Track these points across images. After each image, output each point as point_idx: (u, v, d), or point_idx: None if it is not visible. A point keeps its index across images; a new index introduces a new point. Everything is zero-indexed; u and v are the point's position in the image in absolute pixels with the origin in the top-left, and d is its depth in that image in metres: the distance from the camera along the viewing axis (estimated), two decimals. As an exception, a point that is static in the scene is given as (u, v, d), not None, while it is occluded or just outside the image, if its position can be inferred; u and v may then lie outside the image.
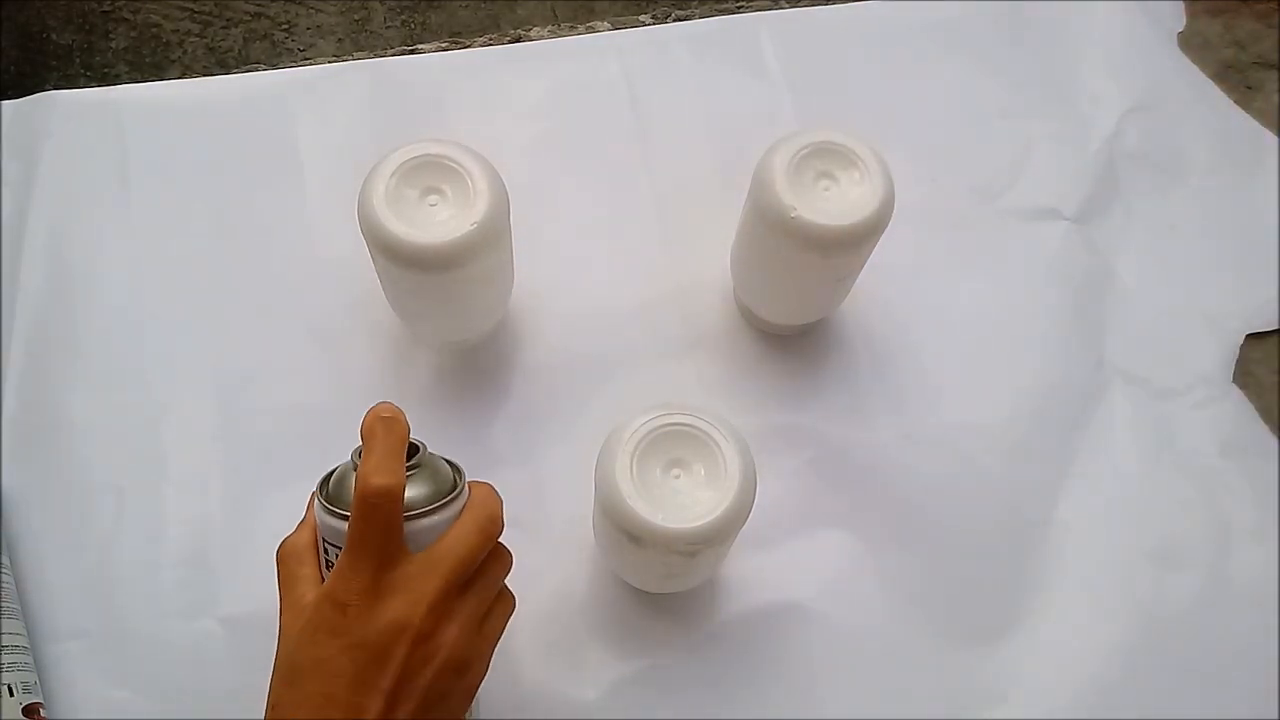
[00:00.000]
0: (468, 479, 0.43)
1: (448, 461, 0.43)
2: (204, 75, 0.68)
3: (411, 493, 0.39)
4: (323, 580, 0.40)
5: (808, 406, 0.60)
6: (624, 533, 0.45)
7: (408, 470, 0.39)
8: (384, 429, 0.39)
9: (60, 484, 0.56)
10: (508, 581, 0.44)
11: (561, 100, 0.68)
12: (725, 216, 0.59)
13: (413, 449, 0.40)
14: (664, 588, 0.54)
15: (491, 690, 0.53)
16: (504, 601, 0.43)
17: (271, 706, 0.38)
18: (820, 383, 0.61)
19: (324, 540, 0.41)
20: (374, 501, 0.37)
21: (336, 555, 0.39)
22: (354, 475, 0.38)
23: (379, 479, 0.37)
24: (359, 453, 0.40)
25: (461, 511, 0.40)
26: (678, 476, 0.46)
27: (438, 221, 0.49)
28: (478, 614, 0.40)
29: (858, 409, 0.60)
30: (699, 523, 0.44)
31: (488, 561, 0.41)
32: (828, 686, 0.55)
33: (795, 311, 0.60)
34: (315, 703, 0.37)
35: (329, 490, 0.41)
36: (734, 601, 0.56)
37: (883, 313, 0.63)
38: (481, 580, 0.41)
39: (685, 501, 0.45)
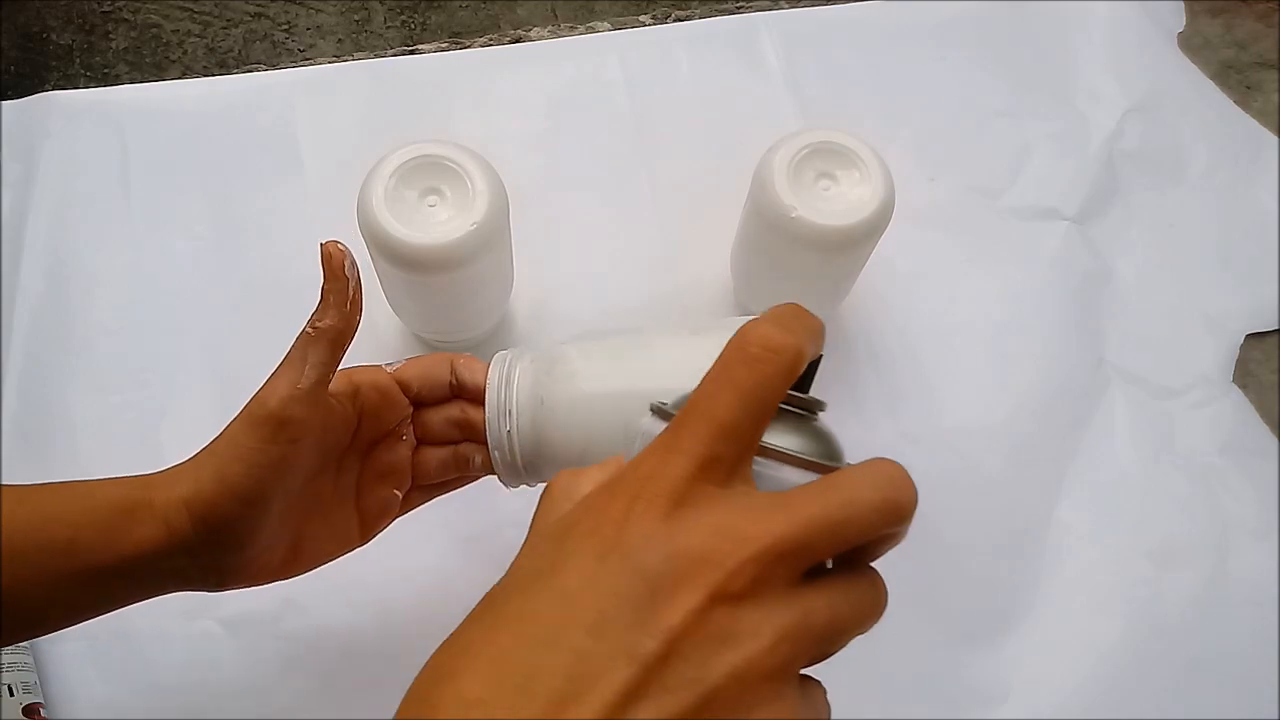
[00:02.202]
0: None
1: None
2: (204, 75, 0.68)
3: (788, 436, 0.27)
4: None
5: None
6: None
7: (797, 405, 0.28)
8: (801, 314, 0.27)
9: (60, 484, 0.56)
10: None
11: (561, 100, 0.68)
12: (725, 216, 0.59)
13: (814, 401, 0.29)
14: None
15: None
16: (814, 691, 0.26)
17: (476, 618, 0.25)
18: (820, 383, 0.61)
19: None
20: (754, 353, 0.25)
21: None
22: None
23: (773, 329, 0.25)
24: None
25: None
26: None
27: (437, 222, 0.49)
28: (819, 629, 0.24)
29: (858, 409, 0.60)
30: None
31: (849, 574, 0.25)
32: (826, 686, 0.54)
33: (795, 311, 0.60)
34: (534, 627, 0.23)
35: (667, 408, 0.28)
36: (734, 601, 0.56)
37: (883, 313, 0.63)
38: (842, 586, 0.25)
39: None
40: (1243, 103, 0.72)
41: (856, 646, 0.58)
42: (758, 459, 0.26)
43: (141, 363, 0.59)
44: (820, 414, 0.29)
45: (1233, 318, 0.65)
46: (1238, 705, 0.55)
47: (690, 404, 0.25)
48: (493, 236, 0.50)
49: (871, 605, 0.26)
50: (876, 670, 0.55)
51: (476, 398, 0.44)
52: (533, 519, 0.28)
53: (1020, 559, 0.58)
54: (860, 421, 0.60)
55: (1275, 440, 0.62)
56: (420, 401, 0.45)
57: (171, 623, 0.54)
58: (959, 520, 0.58)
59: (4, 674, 0.49)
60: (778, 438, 0.27)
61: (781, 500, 0.24)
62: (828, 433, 0.29)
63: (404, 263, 0.49)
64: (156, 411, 0.58)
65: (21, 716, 0.49)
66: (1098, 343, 0.64)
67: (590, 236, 0.64)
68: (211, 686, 0.53)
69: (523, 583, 0.25)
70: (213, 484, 0.37)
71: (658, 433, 0.26)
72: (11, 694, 0.49)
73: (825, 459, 0.27)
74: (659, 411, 0.28)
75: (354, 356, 0.60)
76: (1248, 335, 0.65)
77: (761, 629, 0.23)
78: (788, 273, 0.55)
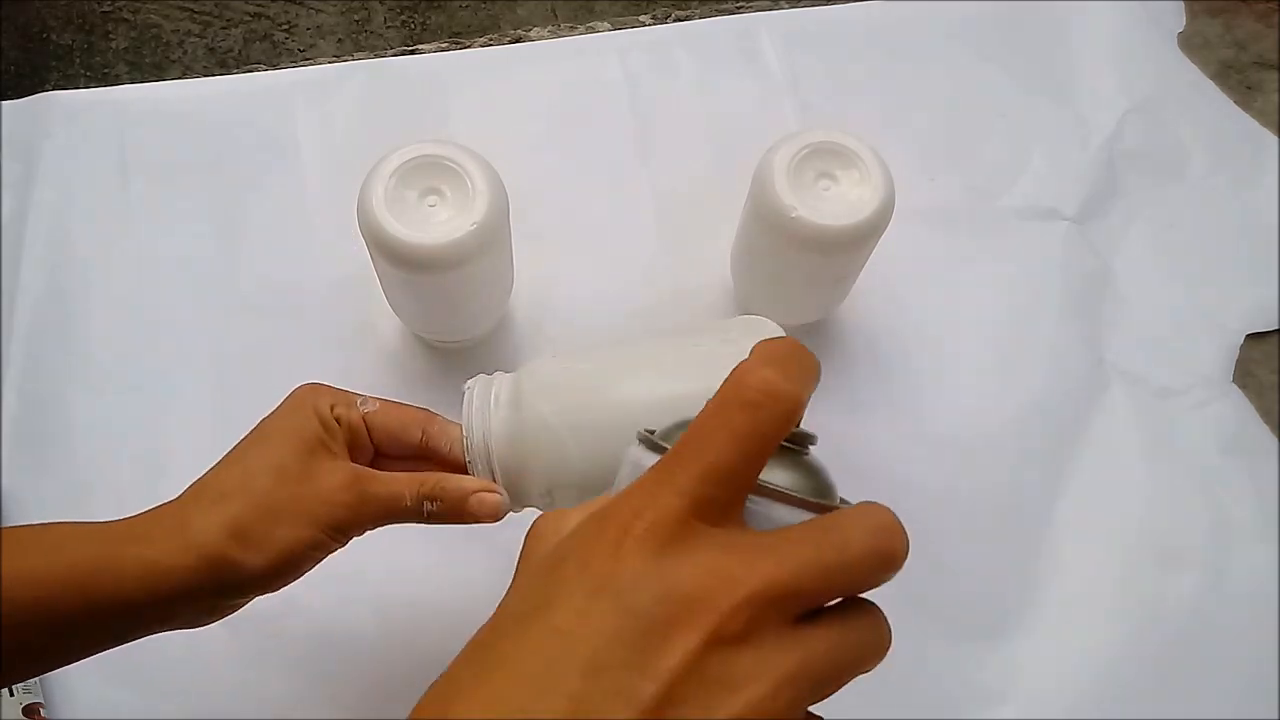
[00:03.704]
0: None
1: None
2: (204, 75, 0.68)
3: (781, 473, 0.27)
4: None
5: (808, 406, 0.60)
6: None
7: (794, 444, 0.28)
8: (800, 356, 0.26)
9: (60, 484, 0.56)
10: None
11: (561, 100, 0.68)
12: (725, 216, 0.59)
13: (805, 435, 0.28)
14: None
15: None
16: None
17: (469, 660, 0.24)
18: (820, 383, 0.61)
19: None
20: (753, 398, 0.24)
21: None
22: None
23: (774, 374, 0.25)
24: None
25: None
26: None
27: (437, 222, 0.49)
28: (819, 672, 0.24)
29: (858, 409, 0.60)
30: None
31: (851, 615, 0.25)
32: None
33: (795, 311, 0.60)
34: (527, 668, 0.23)
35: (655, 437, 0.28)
36: (734, 601, 0.56)
37: (883, 313, 0.63)
38: (840, 626, 0.24)
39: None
40: (1243, 103, 0.72)
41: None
42: (750, 495, 0.25)
43: (141, 363, 0.59)
44: (812, 448, 0.28)
45: (1233, 318, 0.65)
46: (1238, 705, 0.55)
47: (685, 442, 0.24)
48: (493, 236, 0.50)
49: (874, 646, 0.25)
50: (876, 670, 0.55)
51: (441, 463, 0.43)
52: (519, 559, 0.27)
53: (1020, 559, 0.58)
54: (860, 421, 0.60)
55: (1275, 440, 0.62)
56: (380, 452, 0.43)
57: (171, 623, 0.54)
58: (959, 520, 0.58)
59: (4, 674, 0.49)
60: (770, 474, 0.26)
61: (773, 541, 0.24)
62: (820, 468, 0.28)
63: (404, 263, 0.49)
64: (156, 411, 0.58)
65: (21, 716, 0.49)
66: (1098, 343, 0.64)
67: (590, 237, 0.64)
68: (211, 686, 0.53)
69: (512, 622, 0.24)
70: (271, 558, 0.38)
71: (646, 464, 0.25)
72: (11, 694, 0.49)
73: (817, 495, 0.27)
74: (647, 441, 0.27)
75: (354, 357, 0.60)
76: (1248, 335, 0.65)
77: (761, 674, 0.22)
78: (788, 273, 0.55)
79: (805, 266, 0.54)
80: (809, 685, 0.23)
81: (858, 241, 0.52)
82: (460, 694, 0.23)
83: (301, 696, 0.53)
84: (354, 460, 0.42)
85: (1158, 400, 0.62)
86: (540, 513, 0.30)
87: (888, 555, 0.24)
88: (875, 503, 0.25)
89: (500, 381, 0.44)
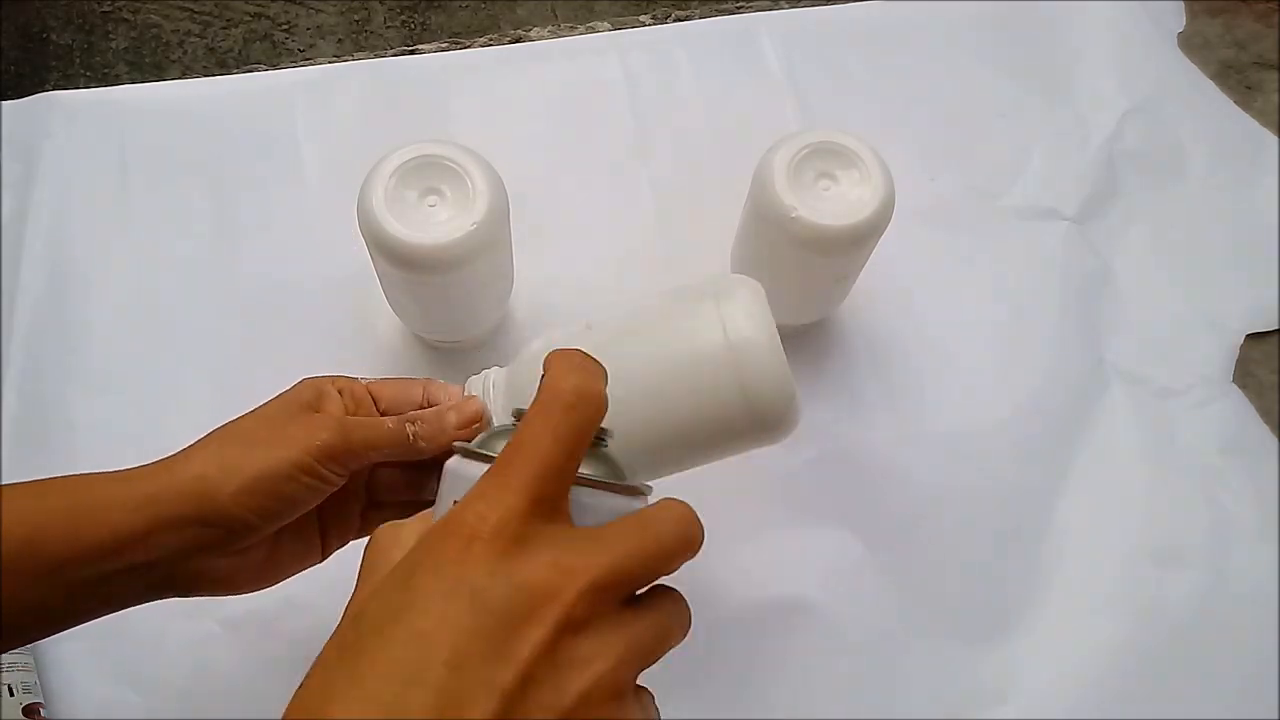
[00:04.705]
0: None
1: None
2: (204, 75, 0.68)
3: (592, 465, 0.30)
4: None
5: (808, 406, 0.60)
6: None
7: (597, 439, 0.31)
8: (593, 362, 0.29)
9: (60, 484, 0.56)
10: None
11: (561, 100, 0.68)
12: (725, 216, 0.59)
13: (604, 430, 0.31)
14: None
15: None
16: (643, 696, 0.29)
17: (328, 662, 0.27)
18: (820, 383, 0.61)
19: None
20: (570, 400, 0.27)
21: None
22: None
23: (582, 379, 0.28)
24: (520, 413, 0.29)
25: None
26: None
27: (437, 222, 0.49)
28: (645, 647, 0.27)
29: (858, 409, 0.60)
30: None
31: (661, 598, 0.29)
32: (826, 686, 0.55)
33: (795, 311, 0.60)
34: (396, 668, 0.25)
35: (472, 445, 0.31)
36: (732, 601, 0.56)
37: (883, 313, 0.63)
38: (657, 607, 0.28)
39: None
40: (1243, 103, 0.72)
41: (856, 645, 0.58)
42: (575, 491, 0.29)
43: (141, 363, 0.59)
44: (610, 441, 0.32)
45: (1233, 318, 0.65)
46: (1238, 705, 0.55)
47: (514, 447, 0.27)
48: (493, 236, 0.50)
49: (683, 620, 0.29)
50: (876, 669, 0.55)
51: None
52: (361, 566, 0.30)
53: (1020, 559, 0.58)
54: (860, 421, 0.60)
55: (1275, 440, 0.62)
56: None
57: (171, 623, 0.54)
58: (959, 520, 0.58)
59: (4, 674, 0.49)
60: (584, 466, 0.29)
61: (602, 534, 0.27)
62: (616, 458, 0.32)
63: (404, 263, 0.49)
64: (156, 411, 0.58)
65: (21, 716, 0.49)
66: (1098, 343, 0.64)
67: (590, 236, 0.64)
68: (211, 686, 0.53)
69: (375, 626, 0.26)
70: (261, 497, 0.38)
71: (468, 473, 0.29)
72: (11, 694, 0.49)
73: (620, 480, 0.31)
74: (466, 452, 0.30)
75: (353, 357, 0.60)
76: (1248, 335, 0.65)
77: (603, 652, 0.26)
78: (788, 273, 0.55)
79: (805, 266, 0.54)
80: (640, 659, 0.27)
81: (858, 241, 0.52)
82: (335, 695, 0.26)
83: (301, 696, 0.53)
84: None
85: (1158, 400, 0.62)
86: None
87: (692, 541, 0.28)
88: (674, 499, 0.29)
89: (495, 375, 0.46)
